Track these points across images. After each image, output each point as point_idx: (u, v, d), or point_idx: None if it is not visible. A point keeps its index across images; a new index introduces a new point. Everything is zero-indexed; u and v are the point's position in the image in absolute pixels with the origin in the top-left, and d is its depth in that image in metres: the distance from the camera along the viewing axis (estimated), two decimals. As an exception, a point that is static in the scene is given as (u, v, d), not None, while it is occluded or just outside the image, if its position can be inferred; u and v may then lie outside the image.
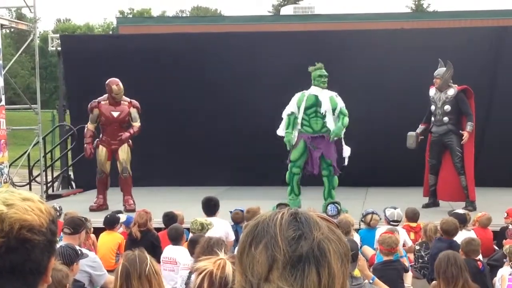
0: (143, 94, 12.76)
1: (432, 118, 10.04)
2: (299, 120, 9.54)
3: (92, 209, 10.16)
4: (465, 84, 9.92)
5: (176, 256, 6.18)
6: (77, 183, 14.12)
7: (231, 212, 8.20)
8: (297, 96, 9.66)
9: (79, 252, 4.75)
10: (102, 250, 7.53)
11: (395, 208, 7.97)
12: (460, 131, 9.79)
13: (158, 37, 13.78)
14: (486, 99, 11.93)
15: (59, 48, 14.17)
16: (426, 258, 7.23)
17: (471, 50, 11.90)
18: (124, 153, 10.38)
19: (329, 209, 8.84)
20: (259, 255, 1.21)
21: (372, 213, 7.97)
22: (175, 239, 6.41)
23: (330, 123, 9.46)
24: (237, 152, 12.73)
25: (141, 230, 7.42)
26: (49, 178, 14.10)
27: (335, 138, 9.50)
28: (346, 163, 9.70)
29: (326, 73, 9.57)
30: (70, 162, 14.34)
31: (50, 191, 13.66)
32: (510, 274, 5.76)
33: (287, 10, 18.98)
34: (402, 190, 11.68)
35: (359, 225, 8.26)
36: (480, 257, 6.30)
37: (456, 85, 9.89)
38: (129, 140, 10.46)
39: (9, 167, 12.39)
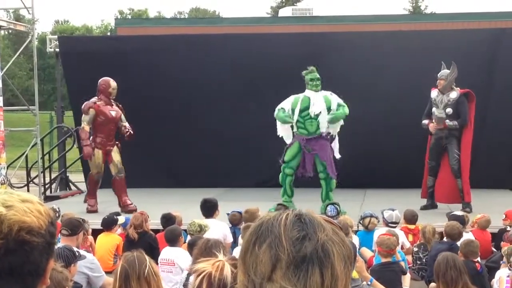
0: (142, 95, 12.82)
1: (433, 121, 9.94)
2: (294, 122, 9.55)
3: (91, 211, 10.17)
4: (462, 86, 9.90)
5: (174, 257, 6.17)
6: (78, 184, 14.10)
7: (228, 214, 8.19)
8: (291, 98, 9.68)
9: (77, 254, 4.74)
10: (100, 252, 7.53)
11: (393, 210, 7.97)
12: (460, 134, 9.80)
13: (157, 38, 13.77)
14: (483, 101, 11.92)
15: (57, 50, 14.16)
16: (424, 260, 7.24)
17: (468, 52, 11.90)
18: (117, 154, 10.41)
19: (328, 210, 8.83)
20: (262, 255, 1.21)
21: (371, 216, 7.94)
22: (172, 241, 6.41)
23: (324, 123, 9.44)
24: (236, 153, 12.73)
25: (138, 231, 7.41)
26: (47, 180, 14.08)
27: (329, 133, 9.46)
28: (338, 157, 9.65)
29: (318, 76, 9.59)
30: (68, 164, 14.33)
31: (48, 193, 13.65)
32: (508, 276, 5.76)
33: (285, 11, 18.97)
34: (400, 191, 11.68)
35: (358, 227, 8.26)
36: (478, 258, 6.30)
37: (458, 88, 9.83)
38: (117, 142, 10.52)
39: (7, 168, 12.38)
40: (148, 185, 12.72)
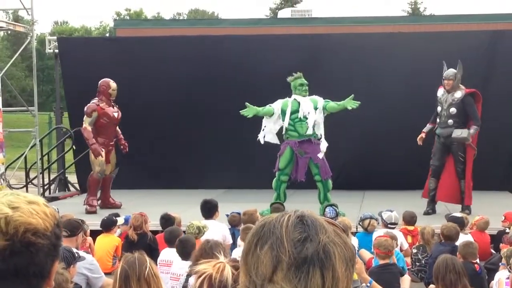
0: (141, 96, 12.82)
1: (438, 120, 9.84)
2: (285, 126, 9.57)
3: (91, 212, 10.17)
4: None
5: (173, 258, 6.16)
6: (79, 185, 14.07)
7: (227, 215, 8.19)
8: (280, 101, 9.70)
9: (76, 255, 4.74)
10: (99, 253, 7.53)
11: (391, 211, 7.98)
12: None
13: (155, 39, 13.76)
14: (482, 102, 11.93)
15: (56, 51, 14.15)
16: (423, 261, 7.24)
17: (467, 53, 11.88)
18: (114, 154, 10.62)
19: (327, 211, 8.84)
20: (264, 256, 1.21)
21: (370, 217, 7.93)
22: (171, 242, 6.39)
23: (311, 124, 9.45)
24: (235, 155, 12.73)
25: (137, 233, 7.42)
26: (46, 181, 14.07)
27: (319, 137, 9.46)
28: (322, 156, 9.63)
29: (306, 81, 9.67)
30: (67, 165, 14.31)
31: (47, 194, 13.63)
32: (507, 278, 5.76)
33: (284, 13, 18.94)
34: (399, 193, 11.68)
35: (356, 229, 8.26)
36: (477, 260, 6.31)
37: (464, 88, 9.70)
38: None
39: (6, 169, 12.38)
40: (148, 186, 12.71)
